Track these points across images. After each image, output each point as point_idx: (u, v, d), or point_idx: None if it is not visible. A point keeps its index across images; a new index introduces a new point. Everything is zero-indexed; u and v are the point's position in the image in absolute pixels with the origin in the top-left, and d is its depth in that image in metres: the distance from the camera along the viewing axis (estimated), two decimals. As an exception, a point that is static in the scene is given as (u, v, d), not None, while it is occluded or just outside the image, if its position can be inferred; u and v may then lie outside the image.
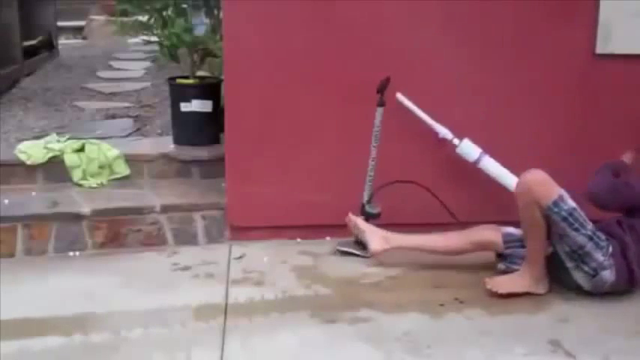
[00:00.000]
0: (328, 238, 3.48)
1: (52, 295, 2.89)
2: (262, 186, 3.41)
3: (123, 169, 3.81)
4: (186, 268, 3.18)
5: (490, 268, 3.05)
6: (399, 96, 3.28)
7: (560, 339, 2.56)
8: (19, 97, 5.59)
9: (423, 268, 3.15)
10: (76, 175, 3.72)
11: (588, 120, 3.51)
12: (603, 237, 2.81)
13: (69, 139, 3.94)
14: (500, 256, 3.04)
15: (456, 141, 3.31)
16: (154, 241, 3.44)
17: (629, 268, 2.82)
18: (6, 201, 3.48)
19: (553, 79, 3.46)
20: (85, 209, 3.40)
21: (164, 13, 4.09)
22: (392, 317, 2.72)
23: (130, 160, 3.82)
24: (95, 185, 3.71)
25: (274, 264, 3.21)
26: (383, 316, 2.72)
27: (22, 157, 3.72)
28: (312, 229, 3.47)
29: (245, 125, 3.39)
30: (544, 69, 3.44)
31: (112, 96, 5.73)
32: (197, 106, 3.96)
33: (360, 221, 3.21)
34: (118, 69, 7.16)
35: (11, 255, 3.30)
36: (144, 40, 4.40)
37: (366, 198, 3.29)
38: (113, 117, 4.92)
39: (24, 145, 3.82)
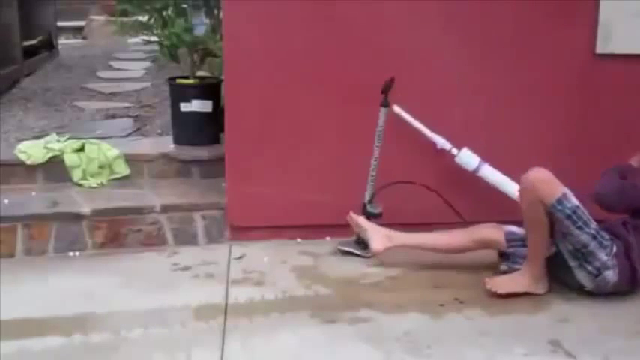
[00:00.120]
0: (328, 238, 3.48)
1: (52, 295, 2.89)
2: (262, 186, 3.41)
3: (123, 169, 3.81)
4: (186, 268, 3.17)
5: (490, 268, 3.05)
6: (396, 108, 3.28)
7: (560, 339, 2.56)
8: (19, 97, 5.59)
9: (423, 268, 3.15)
10: (76, 175, 3.72)
11: (588, 120, 3.51)
12: (607, 237, 2.81)
13: (69, 139, 3.94)
14: (503, 256, 3.04)
15: (454, 151, 3.31)
16: (154, 241, 3.44)
17: (632, 268, 2.82)
18: (6, 201, 3.48)
19: (553, 79, 3.46)
20: (85, 209, 3.40)
21: (164, 13, 4.09)
22: (392, 317, 2.72)
23: (130, 160, 3.82)
24: (95, 185, 3.71)
25: (274, 264, 3.21)
26: (383, 316, 2.72)
27: (22, 157, 3.72)
28: (312, 229, 3.47)
29: (245, 125, 3.39)
30: (544, 69, 3.44)
31: (112, 96, 5.73)
32: (197, 106, 3.96)
33: (361, 219, 3.21)
34: (118, 69, 7.16)
35: (11, 255, 3.30)
36: (144, 40, 4.40)
37: (367, 198, 3.28)
38: (113, 117, 4.93)
39: (24, 145, 3.82)
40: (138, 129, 4.51)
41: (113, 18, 8.99)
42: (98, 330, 2.60)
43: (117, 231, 3.40)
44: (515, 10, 3.38)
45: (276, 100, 3.37)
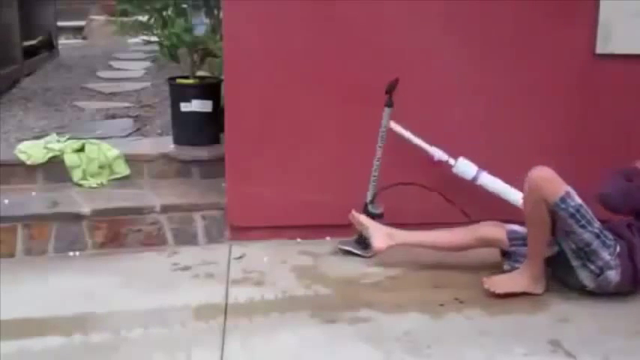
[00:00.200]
0: (328, 238, 3.48)
1: (52, 295, 2.89)
2: (262, 186, 3.41)
3: (123, 169, 3.81)
4: (186, 268, 3.17)
5: (491, 268, 3.05)
6: (393, 124, 3.27)
7: (560, 339, 2.56)
8: (19, 97, 5.59)
9: (423, 268, 3.15)
10: (76, 175, 3.72)
11: (588, 120, 3.51)
12: (611, 236, 2.80)
13: (69, 139, 3.94)
14: (505, 254, 3.04)
15: (451, 161, 3.31)
16: (154, 241, 3.44)
17: (635, 269, 2.82)
18: (6, 201, 3.48)
19: (553, 79, 3.46)
20: (85, 209, 3.40)
21: (164, 13, 4.09)
22: (392, 317, 2.72)
23: (130, 160, 3.82)
24: (95, 185, 3.71)
25: (274, 264, 3.21)
26: (383, 316, 2.72)
27: (22, 157, 3.72)
28: (312, 229, 3.47)
29: (245, 125, 3.39)
30: (544, 69, 3.44)
31: (112, 96, 5.73)
32: (197, 106, 3.96)
33: (363, 218, 3.20)
34: (118, 69, 7.16)
35: (11, 255, 3.30)
36: (144, 40, 4.40)
37: (369, 198, 3.28)
38: (113, 117, 4.93)
39: (24, 145, 3.82)
40: (138, 129, 4.51)
41: (113, 18, 8.99)
42: (98, 330, 2.60)
43: (117, 231, 3.40)
44: (515, 10, 3.38)
45: (276, 100, 3.37)
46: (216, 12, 4.02)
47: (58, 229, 3.36)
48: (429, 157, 3.33)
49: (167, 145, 4.02)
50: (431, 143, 3.35)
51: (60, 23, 8.50)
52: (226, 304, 2.81)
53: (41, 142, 3.91)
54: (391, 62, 3.33)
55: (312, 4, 3.31)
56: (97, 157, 3.76)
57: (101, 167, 3.76)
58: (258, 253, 3.32)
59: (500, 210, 3.25)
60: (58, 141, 3.91)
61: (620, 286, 2.83)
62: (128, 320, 2.67)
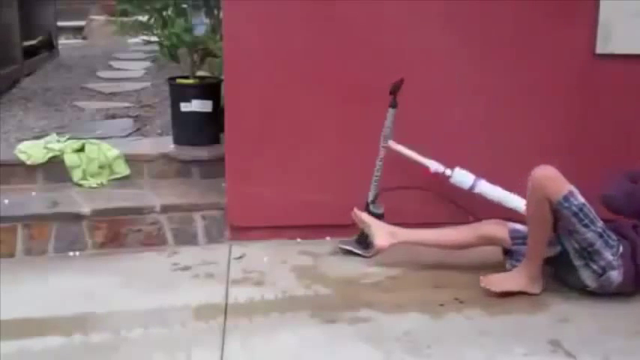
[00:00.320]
0: (328, 238, 3.48)
1: (52, 295, 2.89)
2: (262, 186, 3.41)
3: (123, 169, 3.81)
4: (186, 268, 3.17)
5: (491, 268, 3.04)
6: (390, 142, 3.28)
7: (560, 339, 2.56)
8: (19, 97, 5.59)
9: (423, 268, 3.15)
10: (76, 175, 3.72)
11: (588, 120, 3.51)
12: (614, 236, 2.80)
13: (69, 139, 3.94)
14: (508, 253, 3.03)
15: (448, 172, 3.30)
16: (154, 241, 3.44)
17: (637, 270, 2.82)
18: (6, 201, 3.48)
19: (553, 79, 3.46)
20: (85, 209, 3.40)
21: (164, 13, 4.09)
22: (392, 317, 2.71)
23: (130, 160, 3.82)
24: (95, 185, 3.71)
25: (274, 264, 3.21)
26: (383, 316, 2.72)
27: (22, 157, 3.72)
28: (312, 229, 3.47)
29: (245, 125, 3.39)
30: (544, 69, 3.44)
31: (112, 96, 5.73)
32: (197, 106, 3.96)
33: (365, 216, 3.20)
34: (118, 69, 7.16)
35: (11, 255, 3.30)
36: (144, 40, 4.40)
37: (370, 198, 3.28)
38: (113, 117, 4.93)
39: (24, 145, 3.82)
40: (138, 129, 4.51)
41: (113, 18, 8.99)
42: (98, 330, 2.60)
43: (117, 231, 3.40)
44: (515, 10, 3.38)
45: (276, 100, 3.38)
46: (216, 12, 4.02)
47: (58, 229, 3.36)
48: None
49: (167, 145, 4.02)
50: (431, 143, 3.35)
51: (60, 23, 8.50)
52: (226, 304, 2.81)
53: (41, 142, 3.91)
54: (391, 62, 3.33)
55: (312, 4, 3.31)
56: (97, 157, 3.76)
57: (101, 167, 3.76)
58: (258, 253, 3.32)
59: (501, 209, 3.25)
60: (58, 141, 3.91)
61: (622, 286, 2.82)
62: (128, 320, 2.67)
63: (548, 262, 2.95)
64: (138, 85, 6.14)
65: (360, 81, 3.34)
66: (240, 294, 2.90)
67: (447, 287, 2.97)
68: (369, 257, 3.25)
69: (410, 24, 3.35)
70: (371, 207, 3.27)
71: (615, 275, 2.79)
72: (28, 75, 6.50)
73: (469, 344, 2.52)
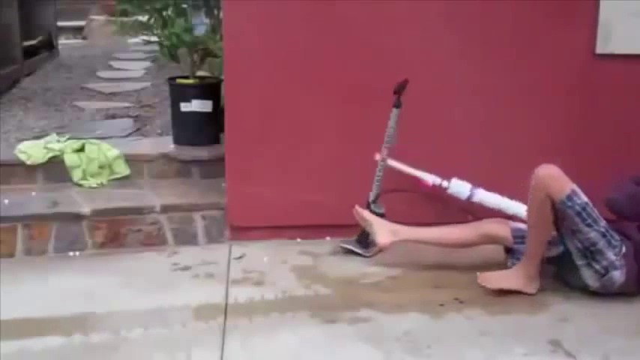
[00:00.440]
0: (328, 238, 3.48)
1: (52, 295, 2.89)
2: (262, 186, 3.41)
3: (123, 169, 3.81)
4: (186, 268, 3.17)
5: (492, 268, 3.03)
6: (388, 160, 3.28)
7: (560, 339, 2.56)
8: (19, 97, 5.59)
9: (423, 269, 3.15)
10: (76, 175, 3.72)
11: (588, 120, 3.51)
12: (617, 236, 2.80)
13: (69, 139, 3.94)
14: (509, 252, 3.03)
15: (445, 183, 3.31)
16: (154, 241, 3.44)
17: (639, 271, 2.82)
18: (6, 201, 3.48)
19: (553, 79, 3.46)
20: (85, 209, 3.40)
21: (164, 13, 4.09)
22: (392, 317, 2.72)
23: (130, 160, 3.83)
24: (95, 185, 3.71)
25: (274, 264, 3.21)
26: (383, 316, 2.72)
27: (22, 157, 3.72)
28: (312, 229, 3.47)
29: (245, 125, 3.39)
30: (544, 69, 3.44)
31: (112, 96, 5.73)
32: (197, 106, 3.96)
33: (367, 213, 3.19)
34: (118, 69, 7.16)
35: (11, 255, 3.30)
36: (144, 40, 4.40)
37: (372, 198, 3.28)
38: (113, 117, 4.93)
39: (24, 145, 3.82)
40: (138, 129, 4.51)
41: (113, 18, 8.99)
42: (98, 330, 2.60)
43: (117, 231, 3.40)
44: (515, 10, 3.38)
45: (276, 100, 3.37)
46: (216, 12, 4.02)
47: (58, 229, 3.36)
48: (431, 157, 3.33)
49: (167, 145, 4.02)
50: (430, 143, 3.36)
51: (60, 23, 8.50)
52: (226, 304, 2.81)
53: (41, 142, 3.91)
54: (391, 62, 3.33)
55: (312, 4, 3.31)
56: (97, 157, 3.76)
57: (101, 167, 3.76)
58: (258, 253, 3.32)
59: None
60: (58, 141, 3.91)
61: (625, 286, 2.82)
62: (128, 320, 2.67)
63: (551, 261, 2.95)
64: (138, 85, 6.14)
65: (360, 81, 3.34)
66: (240, 294, 2.90)
67: (447, 287, 2.97)
68: (370, 257, 3.25)
69: (410, 24, 3.35)
70: (372, 206, 3.26)
71: (618, 275, 2.79)
72: (28, 75, 6.50)
73: (469, 344, 2.52)
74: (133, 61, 7.49)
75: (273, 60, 3.34)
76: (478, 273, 2.90)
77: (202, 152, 3.88)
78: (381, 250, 3.20)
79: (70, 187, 3.69)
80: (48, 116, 4.92)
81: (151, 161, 3.86)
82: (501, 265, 3.04)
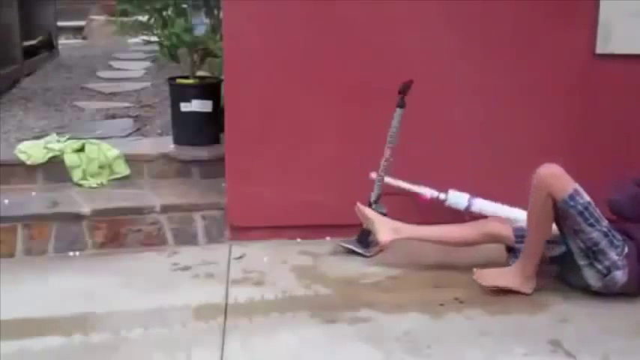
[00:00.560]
0: (328, 238, 3.48)
1: (52, 295, 2.89)
2: (262, 186, 3.41)
3: (123, 169, 3.81)
4: (186, 268, 3.17)
5: (491, 268, 3.04)
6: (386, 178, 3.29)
7: (560, 339, 2.56)
8: (19, 97, 5.59)
9: (423, 268, 3.15)
10: (76, 175, 3.72)
11: (588, 120, 3.51)
12: (619, 236, 2.80)
13: (69, 139, 3.94)
14: (511, 251, 3.03)
15: (442, 196, 3.31)
16: (154, 241, 3.44)
17: None
18: (6, 201, 3.48)
19: (553, 79, 3.46)
20: (85, 209, 3.40)
21: (164, 13, 4.09)
22: (392, 317, 2.71)
23: (130, 160, 3.83)
24: (95, 185, 3.71)
25: (274, 264, 3.21)
26: (383, 316, 2.72)
27: (22, 157, 3.72)
28: (312, 229, 3.47)
29: (245, 125, 3.39)
30: (544, 69, 3.44)
31: (112, 96, 5.73)
32: (197, 106, 3.96)
33: (368, 211, 3.19)
34: (118, 69, 7.16)
35: (11, 255, 3.30)
36: (144, 40, 4.40)
37: (373, 198, 3.28)
38: (113, 117, 4.93)
39: (24, 145, 3.82)
40: (138, 129, 4.51)
41: (113, 18, 8.99)
42: (98, 330, 2.60)
43: (117, 231, 3.40)
44: (515, 10, 3.38)
45: (276, 100, 3.38)
46: (216, 12, 4.02)
47: (58, 229, 3.36)
48: (433, 157, 3.33)
49: (167, 145, 4.02)
50: (430, 143, 3.36)
51: (60, 23, 8.50)
52: (226, 304, 2.81)
53: (41, 142, 3.91)
54: (391, 62, 3.34)
55: (312, 4, 3.31)
56: (97, 157, 3.76)
57: (101, 167, 3.76)
58: (258, 253, 3.32)
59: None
60: (58, 141, 3.91)
61: (627, 286, 2.82)
62: (128, 320, 2.67)
63: (553, 261, 2.95)
64: (138, 85, 6.14)
65: (360, 81, 3.34)
66: (240, 294, 2.90)
67: (447, 287, 2.97)
68: (370, 257, 3.25)
69: (410, 24, 3.35)
70: (374, 206, 3.26)
71: (620, 275, 2.78)
72: (28, 75, 6.50)
73: (469, 344, 2.52)
74: (133, 61, 7.49)
75: (273, 60, 3.34)
76: (475, 269, 2.90)
77: (202, 152, 3.88)
78: (382, 249, 3.20)
79: (70, 187, 3.69)
80: (48, 116, 4.92)
81: (151, 161, 3.86)
82: (503, 265, 3.04)
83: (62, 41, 8.80)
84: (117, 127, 4.59)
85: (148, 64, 7.04)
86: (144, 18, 4.27)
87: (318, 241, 3.46)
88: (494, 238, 3.05)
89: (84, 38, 10.28)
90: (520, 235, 2.97)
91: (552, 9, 3.37)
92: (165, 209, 3.46)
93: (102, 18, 10.31)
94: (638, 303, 2.86)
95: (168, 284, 3.01)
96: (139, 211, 3.44)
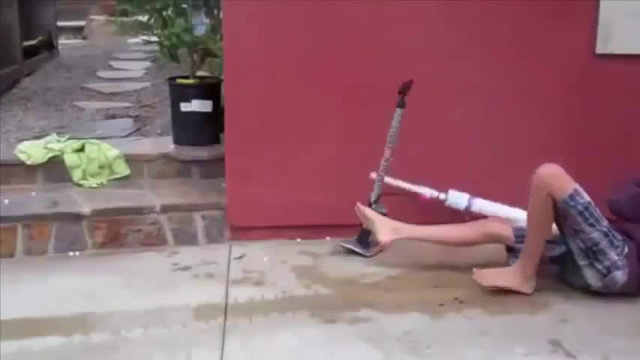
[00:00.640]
0: (328, 238, 3.48)
1: (52, 295, 2.89)
2: (262, 186, 3.41)
3: (123, 169, 3.81)
4: (186, 268, 3.17)
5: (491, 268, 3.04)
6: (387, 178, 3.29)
7: (560, 339, 2.56)
8: (19, 97, 5.59)
9: (423, 269, 3.15)
10: (76, 175, 3.72)
11: (588, 120, 3.51)
12: (619, 236, 2.80)
13: (69, 139, 3.94)
14: (511, 250, 3.03)
15: (442, 196, 3.31)
16: (154, 241, 3.44)
17: None
18: (6, 201, 3.48)
19: (553, 79, 3.46)
20: (85, 209, 3.40)
21: (164, 13, 4.10)
22: (392, 317, 2.71)
23: (130, 160, 3.83)
24: (95, 185, 3.71)
25: (274, 264, 3.21)
26: (383, 316, 2.72)
27: (22, 157, 3.72)
28: (312, 229, 3.47)
29: (245, 125, 3.39)
30: (544, 69, 3.44)
31: (112, 96, 5.73)
32: (197, 106, 3.96)
33: (368, 211, 3.19)
34: (118, 69, 7.16)
35: (11, 255, 3.30)
36: (144, 40, 4.40)
37: (373, 198, 3.28)
38: (113, 117, 4.93)
39: (24, 145, 3.82)
40: (138, 129, 4.51)
41: (113, 18, 8.99)
42: (98, 330, 2.60)
43: (117, 231, 3.40)
44: (515, 10, 3.38)
45: (276, 100, 3.38)
46: (216, 12, 4.02)
47: (58, 229, 3.36)
48: (433, 157, 3.33)
49: (167, 145, 4.02)
50: (430, 143, 3.36)
51: (60, 23, 8.50)
52: (226, 304, 2.81)
53: (41, 142, 3.91)
54: (391, 62, 3.33)
55: (312, 4, 3.31)
56: (97, 157, 3.77)
57: (101, 167, 3.76)
58: (258, 253, 3.32)
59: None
60: (58, 141, 3.91)
61: (627, 286, 2.81)
62: (128, 320, 2.67)
63: (553, 261, 2.95)
64: (138, 85, 6.14)
65: (360, 81, 3.34)
66: (240, 294, 2.90)
67: (447, 287, 2.97)
68: (370, 257, 3.25)
69: (410, 24, 3.35)
70: (374, 207, 3.26)
71: (620, 275, 2.78)
72: (28, 75, 6.50)
73: (469, 344, 2.52)
74: (133, 61, 7.49)
75: (273, 60, 3.34)
76: (474, 269, 2.90)
77: (202, 152, 3.88)
78: (382, 249, 3.20)
79: (70, 187, 3.69)
80: (48, 116, 4.92)
81: (151, 161, 3.86)
82: (503, 265, 3.04)
83: (62, 41, 8.80)
84: (117, 127, 4.59)
85: (147, 64, 7.04)
86: (144, 18, 4.27)
87: (318, 241, 3.46)
88: (494, 238, 3.05)
89: (84, 38, 10.28)
90: (520, 235, 2.97)
91: (552, 9, 3.37)
92: (165, 209, 3.46)
93: (102, 18, 10.31)
94: (638, 303, 2.86)
95: (168, 284, 3.01)
96: (138, 211, 3.44)
